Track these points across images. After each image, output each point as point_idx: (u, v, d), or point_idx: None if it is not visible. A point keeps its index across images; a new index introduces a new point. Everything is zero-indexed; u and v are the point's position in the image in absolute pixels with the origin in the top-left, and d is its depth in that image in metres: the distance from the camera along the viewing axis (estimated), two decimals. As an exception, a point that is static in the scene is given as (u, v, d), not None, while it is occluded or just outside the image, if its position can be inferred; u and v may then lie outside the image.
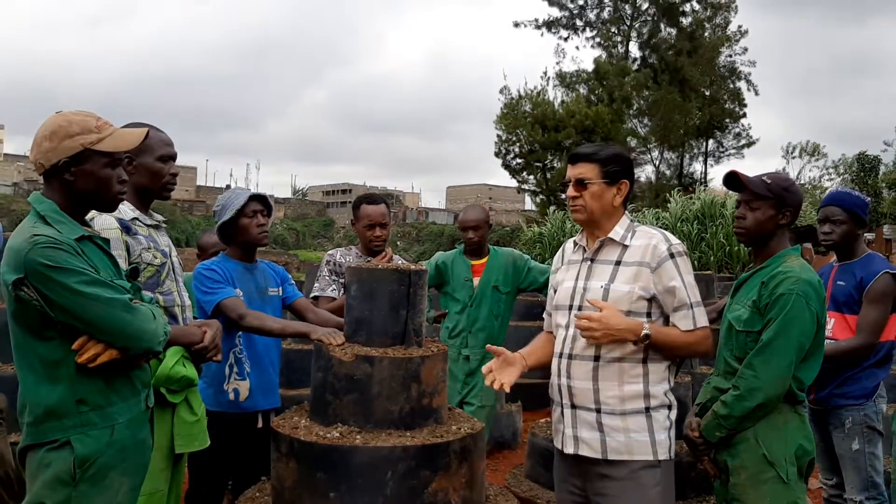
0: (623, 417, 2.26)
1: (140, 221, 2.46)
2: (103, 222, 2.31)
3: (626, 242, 2.33)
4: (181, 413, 2.42)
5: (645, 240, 2.31)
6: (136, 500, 2.00)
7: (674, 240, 2.32)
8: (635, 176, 2.44)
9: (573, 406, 2.34)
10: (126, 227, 2.38)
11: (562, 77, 36.58)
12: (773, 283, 2.35)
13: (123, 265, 2.27)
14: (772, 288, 2.34)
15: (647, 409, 2.27)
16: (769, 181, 2.45)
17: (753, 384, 2.29)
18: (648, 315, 2.29)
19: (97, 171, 1.93)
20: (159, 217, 2.62)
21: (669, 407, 2.32)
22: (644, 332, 2.21)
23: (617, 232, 2.35)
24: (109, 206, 2.05)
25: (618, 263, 2.33)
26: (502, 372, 2.39)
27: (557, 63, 42.23)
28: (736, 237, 2.60)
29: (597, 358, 2.29)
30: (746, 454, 2.34)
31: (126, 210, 2.44)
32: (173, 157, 2.55)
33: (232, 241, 3.13)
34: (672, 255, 2.27)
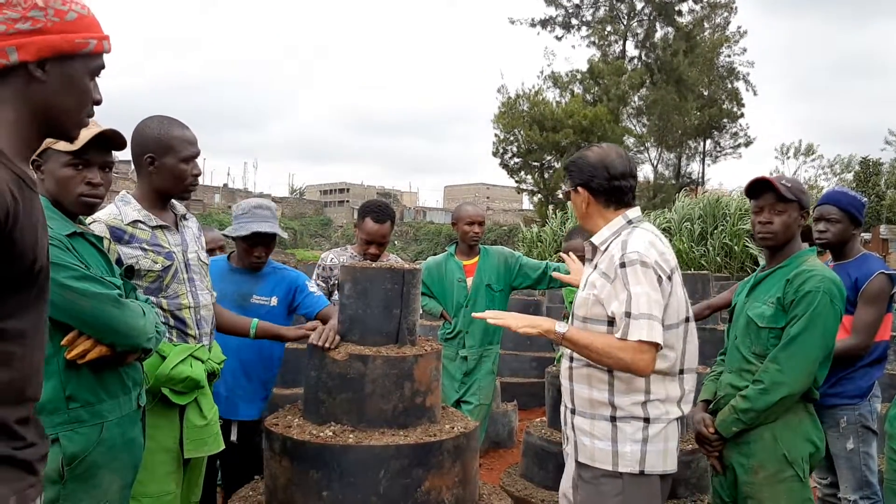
0: (591, 422, 2.24)
1: (143, 224, 2.34)
2: (94, 229, 2.23)
3: (604, 248, 2.29)
4: (190, 416, 2.33)
5: (613, 248, 2.23)
6: (127, 499, 1.99)
7: (631, 248, 2.16)
8: (602, 178, 2.29)
9: (563, 404, 2.40)
10: (117, 237, 2.26)
11: (555, 78, 36.61)
12: (798, 280, 2.39)
13: None
14: (797, 285, 2.38)
15: (614, 419, 2.20)
16: (789, 185, 2.51)
17: (778, 378, 2.32)
18: (610, 324, 2.18)
19: (55, 170, 1.94)
20: (180, 210, 2.51)
21: (647, 420, 2.19)
22: (558, 330, 2.16)
23: (599, 236, 2.32)
24: (74, 208, 1.98)
25: (595, 268, 2.30)
26: None
27: (549, 64, 42.32)
28: (760, 242, 2.60)
29: (571, 359, 2.31)
30: (764, 453, 2.37)
31: (128, 211, 2.34)
32: (196, 156, 2.44)
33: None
34: (623, 265, 2.14)
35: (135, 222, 2.33)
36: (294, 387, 4.43)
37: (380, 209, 3.70)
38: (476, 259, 4.32)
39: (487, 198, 67.70)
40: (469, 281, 4.26)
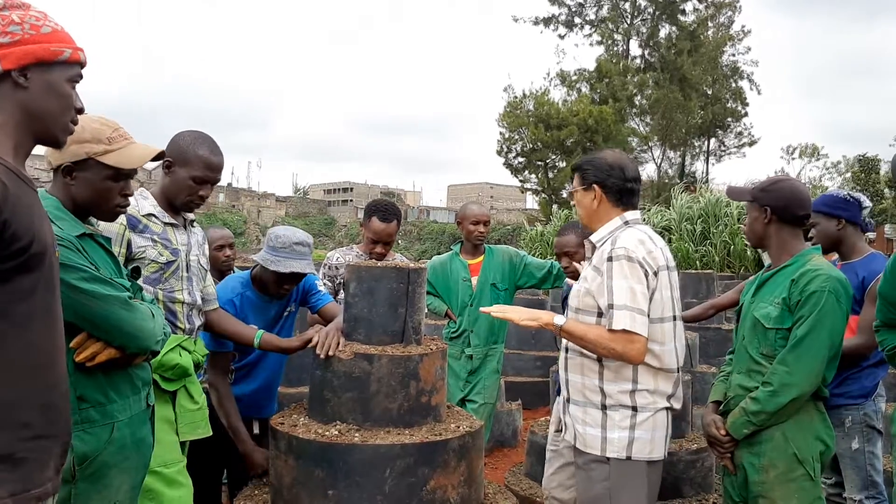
0: (584, 409, 2.38)
1: (156, 218, 2.46)
2: None
3: (599, 245, 2.43)
4: (181, 401, 2.43)
5: (606, 245, 2.38)
6: (136, 499, 2.00)
7: (621, 244, 2.30)
8: (618, 178, 2.44)
9: (559, 393, 2.53)
10: (132, 225, 2.39)
11: (563, 77, 36.57)
12: (803, 280, 2.39)
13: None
14: (803, 286, 2.38)
15: (604, 406, 2.34)
16: (752, 186, 2.61)
17: (787, 380, 2.33)
18: (600, 315, 2.34)
19: (96, 182, 1.96)
20: (190, 216, 2.60)
21: (634, 409, 2.32)
22: (556, 322, 2.32)
23: (597, 234, 2.47)
24: (106, 216, 2.05)
25: (590, 263, 2.46)
26: None
27: (558, 63, 42.26)
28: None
29: (567, 350, 2.46)
30: (775, 453, 2.38)
31: (145, 205, 2.46)
32: (210, 182, 2.51)
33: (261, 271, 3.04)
34: (610, 259, 2.30)
35: (149, 215, 2.45)
36: (299, 385, 4.44)
37: (386, 208, 3.71)
38: (481, 258, 4.32)
39: (491, 197, 67.69)
40: (474, 280, 4.27)
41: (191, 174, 2.46)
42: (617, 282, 2.25)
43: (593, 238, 2.47)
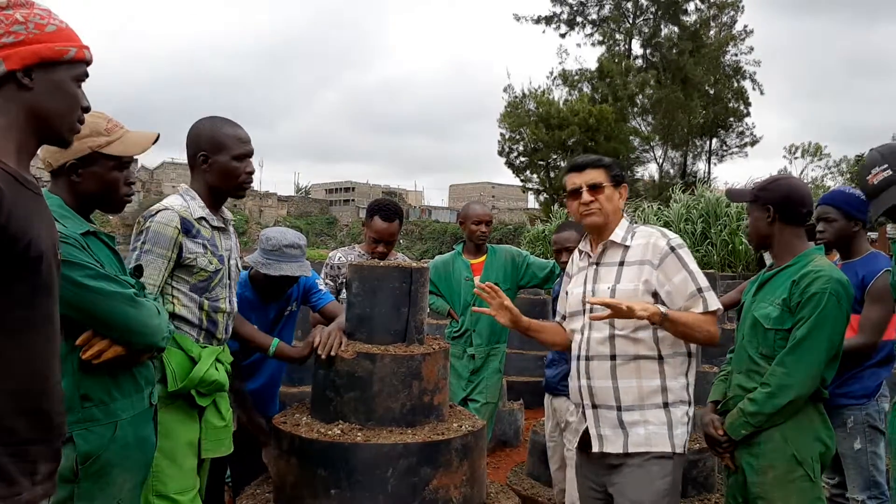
0: (642, 412, 2.35)
1: (206, 222, 2.38)
2: (163, 217, 2.26)
3: (627, 243, 2.42)
4: (209, 417, 2.37)
5: (644, 238, 2.41)
6: (139, 498, 2.01)
7: (671, 234, 2.41)
8: (638, 174, 2.59)
9: (594, 406, 2.40)
10: (186, 229, 2.30)
11: (564, 76, 36.49)
12: (804, 281, 2.38)
13: (167, 265, 2.24)
14: (803, 287, 2.37)
15: (666, 405, 2.36)
16: (752, 187, 2.61)
17: (785, 381, 2.33)
18: None
19: (104, 174, 1.96)
20: (228, 215, 2.54)
21: (689, 404, 2.40)
22: (662, 310, 2.25)
23: (618, 234, 2.45)
24: (115, 208, 2.05)
25: (621, 264, 2.42)
26: (499, 311, 2.56)
27: (560, 63, 42.12)
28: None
29: (613, 357, 2.37)
30: (774, 454, 2.37)
31: (196, 207, 2.36)
32: (249, 155, 2.46)
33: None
34: (673, 249, 2.36)
35: (200, 219, 2.37)
36: (301, 385, 4.45)
37: (388, 208, 3.71)
38: (483, 258, 4.33)
39: (493, 196, 67.60)
40: (476, 280, 4.27)
41: (232, 155, 2.40)
42: (693, 266, 2.36)
43: (615, 237, 2.44)
